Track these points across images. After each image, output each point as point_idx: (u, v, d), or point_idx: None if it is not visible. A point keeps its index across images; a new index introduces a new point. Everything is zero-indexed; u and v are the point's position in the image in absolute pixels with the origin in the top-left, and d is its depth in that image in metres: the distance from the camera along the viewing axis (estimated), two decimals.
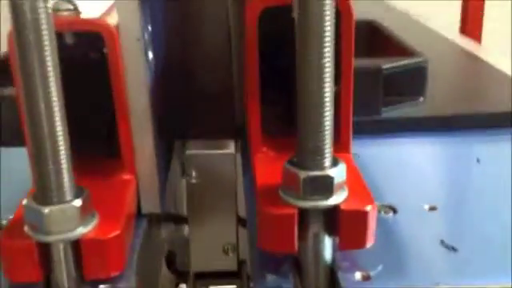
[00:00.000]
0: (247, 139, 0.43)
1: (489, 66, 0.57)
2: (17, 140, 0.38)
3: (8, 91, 0.40)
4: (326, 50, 0.29)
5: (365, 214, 0.31)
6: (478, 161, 0.46)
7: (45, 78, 0.29)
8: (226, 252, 0.48)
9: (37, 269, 0.32)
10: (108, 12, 0.38)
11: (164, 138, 0.43)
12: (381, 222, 0.38)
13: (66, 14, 0.36)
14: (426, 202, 0.40)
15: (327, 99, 0.30)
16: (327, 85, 0.30)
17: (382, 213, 0.39)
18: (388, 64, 0.37)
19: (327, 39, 0.28)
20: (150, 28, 0.40)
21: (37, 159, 0.30)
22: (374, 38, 0.49)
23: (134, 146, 0.38)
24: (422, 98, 0.38)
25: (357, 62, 0.36)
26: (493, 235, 0.35)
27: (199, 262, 0.48)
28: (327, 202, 0.31)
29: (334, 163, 0.32)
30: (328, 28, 0.28)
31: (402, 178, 0.44)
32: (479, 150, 0.48)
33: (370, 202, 0.32)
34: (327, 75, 0.30)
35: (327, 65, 0.30)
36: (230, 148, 0.45)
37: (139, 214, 0.39)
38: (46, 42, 0.29)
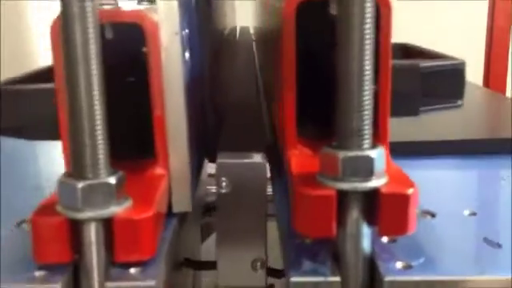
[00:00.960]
0: (280, 140, 0.43)
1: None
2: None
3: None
4: (367, 29, 0.29)
5: (406, 198, 0.30)
6: None
7: (87, 55, 0.30)
8: (254, 268, 0.47)
9: (67, 249, 0.31)
10: (148, 11, 0.38)
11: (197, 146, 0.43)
12: (420, 223, 0.37)
13: (107, 7, 0.37)
14: (466, 208, 0.39)
15: (367, 77, 0.30)
16: (367, 62, 0.30)
17: (421, 217, 0.38)
18: (426, 63, 0.37)
19: (368, 16, 0.29)
20: (187, 30, 0.40)
21: (74, 133, 0.30)
22: (409, 57, 0.49)
23: (168, 141, 0.37)
24: (460, 102, 0.38)
25: (395, 62, 0.36)
26: None
27: (226, 277, 0.47)
28: (367, 184, 0.30)
29: (374, 146, 0.31)
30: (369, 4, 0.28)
31: (439, 192, 0.43)
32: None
33: (411, 185, 0.31)
34: (368, 53, 0.30)
35: (368, 44, 0.30)
36: (261, 158, 0.45)
37: (170, 213, 0.39)
38: (91, 23, 0.29)
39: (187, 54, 0.39)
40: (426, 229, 0.36)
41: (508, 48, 1.60)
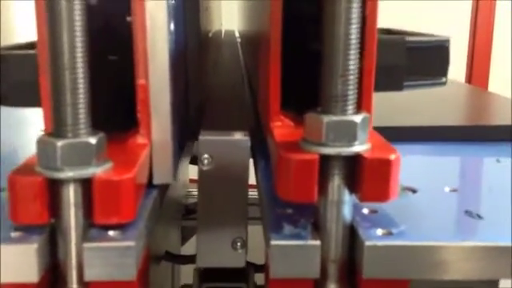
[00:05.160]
0: (263, 118, 0.43)
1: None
2: None
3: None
4: None
5: (389, 163, 0.30)
6: (498, 161, 0.45)
7: (71, 8, 0.29)
8: (234, 248, 0.46)
9: (44, 209, 0.30)
10: None
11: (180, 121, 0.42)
12: (400, 198, 0.37)
13: None
14: (447, 185, 0.39)
15: (353, 41, 0.30)
16: (354, 26, 0.30)
17: (401, 192, 0.38)
18: (411, 38, 0.37)
19: None
20: (173, 1, 0.40)
21: (55, 90, 0.30)
22: None
23: (151, 110, 0.37)
24: (444, 79, 0.38)
25: (380, 36, 0.36)
26: None
27: (205, 257, 0.46)
28: (350, 149, 0.30)
29: (358, 112, 0.31)
30: None
31: (419, 172, 0.43)
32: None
33: (394, 152, 0.31)
34: (354, 16, 0.30)
35: (355, 8, 0.30)
36: (244, 136, 0.45)
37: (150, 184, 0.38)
38: None
39: (172, 26, 0.39)
40: (407, 203, 0.36)
41: (491, 46, 1.62)
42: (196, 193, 0.46)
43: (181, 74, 0.46)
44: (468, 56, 1.67)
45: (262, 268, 0.52)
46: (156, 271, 0.58)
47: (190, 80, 0.55)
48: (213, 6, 1.11)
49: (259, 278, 0.52)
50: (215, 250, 0.46)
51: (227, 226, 0.46)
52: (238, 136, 0.45)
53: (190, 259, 0.63)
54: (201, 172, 0.45)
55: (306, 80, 0.39)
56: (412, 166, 0.44)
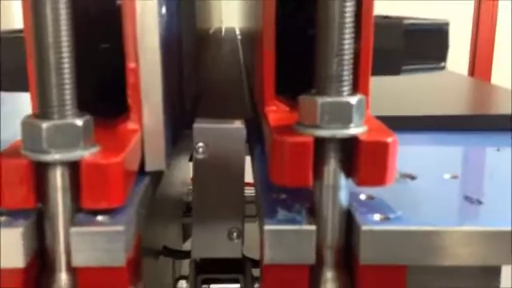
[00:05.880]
0: (259, 105, 0.42)
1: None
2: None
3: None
4: None
5: (386, 146, 0.29)
6: (498, 150, 0.44)
7: None
8: (231, 238, 0.45)
9: (31, 193, 0.29)
10: None
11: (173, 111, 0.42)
12: (398, 184, 0.36)
13: None
14: (446, 173, 0.38)
15: (348, 20, 0.29)
16: (349, 4, 0.29)
17: (400, 179, 0.37)
18: (409, 21, 0.36)
19: None
20: None
21: (39, 71, 0.29)
22: None
23: (142, 95, 0.36)
24: (443, 64, 0.37)
25: (378, 19, 0.35)
26: None
27: (201, 247, 0.45)
28: (346, 131, 0.29)
29: (354, 93, 0.30)
30: None
31: (418, 160, 0.42)
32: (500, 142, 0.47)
33: (391, 135, 0.30)
34: None
35: None
36: (240, 124, 0.44)
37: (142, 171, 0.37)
38: None
39: (164, 9, 0.38)
40: (405, 189, 0.35)
41: (493, 40, 1.62)
42: None
43: (174, 63, 0.45)
44: (471, 51, 1.66)
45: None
46: (155, 265, 0.57)
47: (186, 72, 0.55)
48: (213, 4, 1.10)
49: (256, 272, 0.51)
50: (211, 240, 0.45)
51: (223, 216, 0.45)
52: (234, 124, 0.44)
53: (189, 254, 0.62)
54: (195, 161, 0.44)
55: (303, 66, 0.38)
56: (412, 154, 0.43)
